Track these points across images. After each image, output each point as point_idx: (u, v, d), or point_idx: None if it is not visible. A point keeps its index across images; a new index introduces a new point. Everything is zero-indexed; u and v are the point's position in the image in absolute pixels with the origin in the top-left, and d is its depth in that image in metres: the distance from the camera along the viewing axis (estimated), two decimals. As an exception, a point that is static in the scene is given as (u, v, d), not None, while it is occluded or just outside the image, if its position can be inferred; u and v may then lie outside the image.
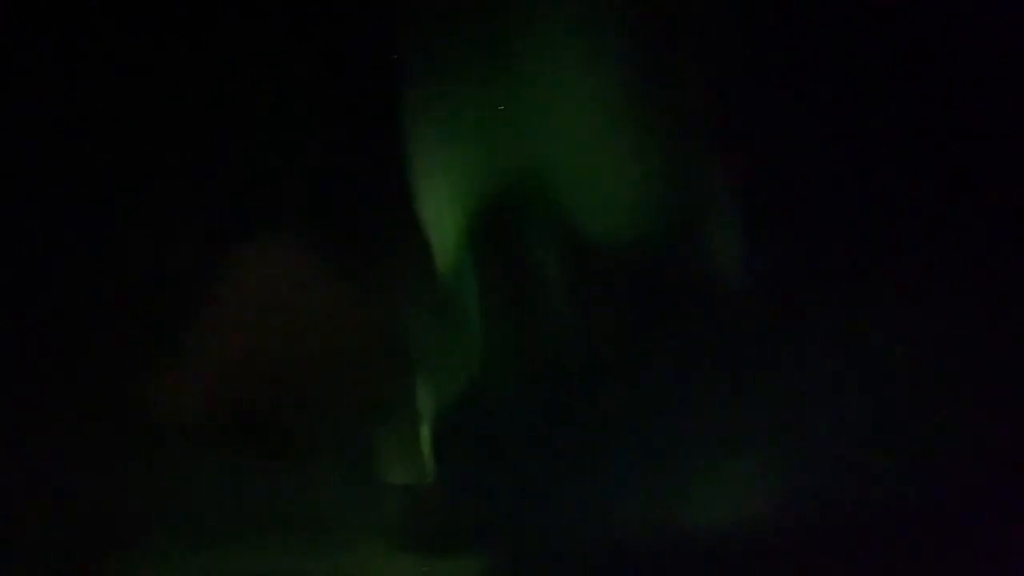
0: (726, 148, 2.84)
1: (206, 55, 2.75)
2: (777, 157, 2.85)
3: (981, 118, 2.88)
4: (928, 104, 2.89)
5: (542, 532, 2.81)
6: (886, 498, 2.81)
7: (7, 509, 2.73)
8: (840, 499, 2.82)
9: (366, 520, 2.80)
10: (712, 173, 2.85)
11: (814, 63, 2.86)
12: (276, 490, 2.77)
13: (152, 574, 2.76)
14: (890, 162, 2.88)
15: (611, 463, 2.83)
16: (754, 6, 2.82)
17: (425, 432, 2.80)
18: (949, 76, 2.88)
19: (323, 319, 2.77)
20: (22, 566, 2.73)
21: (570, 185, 2.83)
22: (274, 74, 2.76)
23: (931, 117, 2.88)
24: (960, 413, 2.83)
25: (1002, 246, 2.88)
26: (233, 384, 2.74)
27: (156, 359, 2.73)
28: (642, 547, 2.80)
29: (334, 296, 2.78)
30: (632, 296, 2.85)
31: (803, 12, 2.82)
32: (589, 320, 2.84)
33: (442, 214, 2.79)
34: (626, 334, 2.85)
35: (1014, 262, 2.87)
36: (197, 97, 2.76)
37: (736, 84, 2.84)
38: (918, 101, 2.88)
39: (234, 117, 2.76)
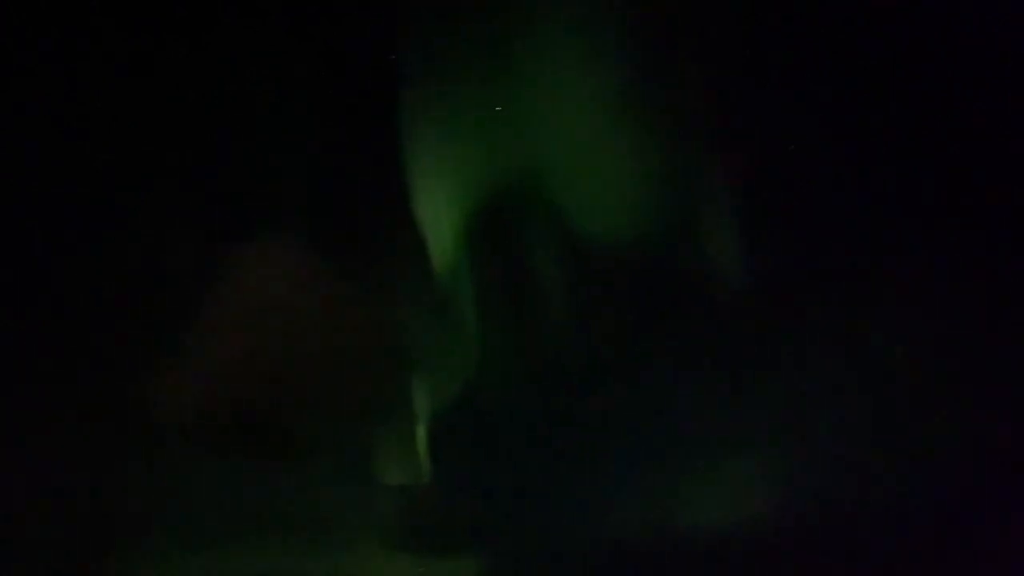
0: (725, 149, 2.84)
1: (204, 55, 2.75)
2: (776, 158, 2.85)
3: (981, 118, 2.88)
4: (928, 104, 2.89)
5: (539, 532, 2.81)
6: (886, 498, 2.81)
7: (4, 509, 2.73)
8: (840, 499, 2.82)
9: (363, 520, 2.80)
10: (711, 174, 2.85)
11: (813, 63, 2.86)
12: (273, 490, 2.77)
13: (151, 574, 2.75)
14: (889, 162, 2.88)
15: (608, 464, 2.83)
16: (753, 7, 2.82)
17: (422, 433, 2.80)
18: (949, 76, 2.88)
19: (320, 319, 2.77)
20: (20, 566, 2.73)
21: (568, 185, 2.83)
22: (272, 74, 2.76)
23: (931, 117, 2.88)
24: (960, 413, 2.83)
25: (1002, 246, 2.88)
26: (230, 384, 2.74)
27: (154, 359, 2.73)
28: (639, 547, 2.80)
29: (331, 296, 2.78)
30: (630, 296, 2.85)
31: (802, 12, 2.82)
32: (586, 321, 2.84)
33: (439, 214, 2.79)
34: (624, 334, 2.85)
35: (1014, 262, 2.87)
36: (195, 97, 2.76)
37: (735, 85, 2.84)
38: (918, 101, 2.88)
39: (232, 117, 2.76)
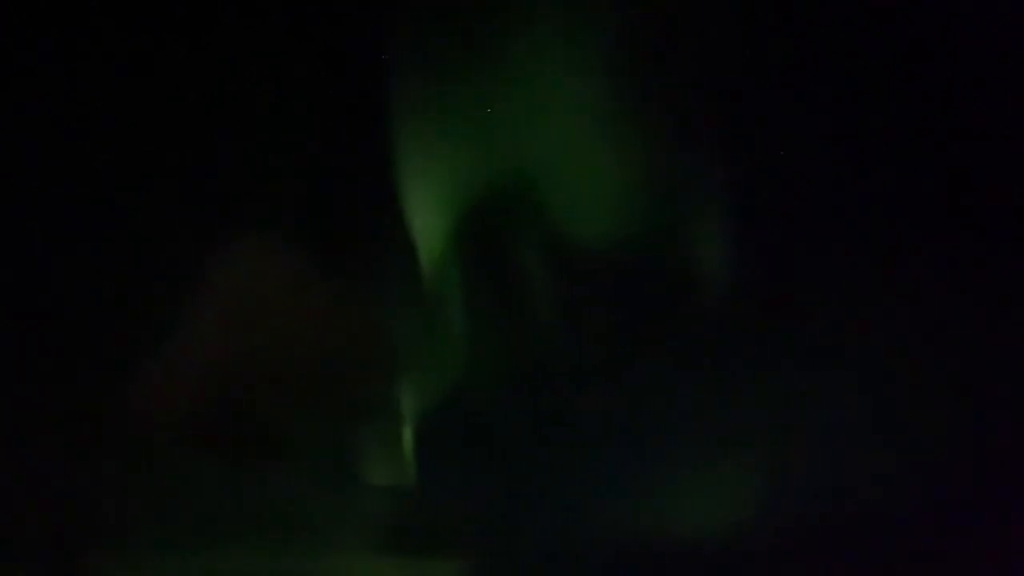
0: (716, 150, 2.84)
1: (190, 55, 2.74)
2: (768, 159, 2.85)
3: (981, 118, 2.88)
4: (927, 104, 2.89)
5: (526, 534, 2.81)
6: (885, 498, 2.81)
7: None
8: (837, 499, 2.82)
9: (348, 521, 2.80)
10: (701, 175, 2.85)
11: (807, 64, 2.86)
12: (257, 490, 2.76)
13: (135, 574, 2.75)
14: (886, 161, 2.88)
15: (597, 465, 2.83)
16: (744, 9, 2.82)
17: (409, 433, 2.80)
18: (949, 76, 2.88)
19: (307, 320, 2.77)
20: (9, 566, 2.73)
21: (558, 187, 2.83)
22: (260, 73, 2.75)
23: (930, 117, 2.88)
24: (960, 413, 2.83)
25: (1002, 246, 2.88)
26: (215, 384, 2.73)
27: (139, 359, 2.73)
28: (629, 549, 2.80)
29: (319, 297, 2.78)
30: (620, 298, 2.85)
31: (799, 13, 2.82)
32: (575, 322, 2.84)
33: (428, 215, 2.79)
34: (613, 336, 2.85)
35: (1014, 262, 2.87)
36: (182, 97, 2.76)
37: (726, 87, 2.84)
38: (917, 101, 2.88)
39: (219, 117, 2.76)
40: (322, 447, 2.80)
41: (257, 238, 2.76)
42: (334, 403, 2.79)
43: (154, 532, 2.76)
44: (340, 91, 2.78)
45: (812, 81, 2.87)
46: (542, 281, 2.83)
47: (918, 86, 2.88)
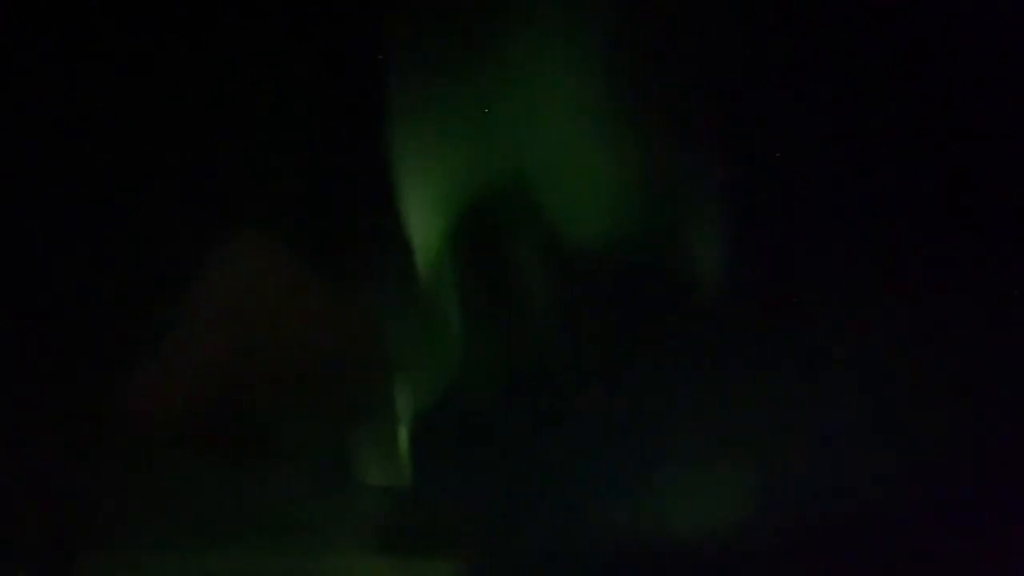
0: (714, 151, 2.84)
1: (185, 56, 2.75)
2: (764, 159, 2.85)
3: (981, 118, 2.88)
4: (927, 104, 2.89)
5: (521, 534, 2.81)
6: (886, 498, 2.81)
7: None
8: (839, 499, 2.81)
9: (344, 521, 2.80)
10: (698, 175, 2.85)
11: (807, 65, 2.86)
12: (252, 491, 2.77)
13: (131, 574, 2.75)
14: (886, 161, 2.88)
15: (592, 465, 2.83)
16: (740, 9, 2.82)
17: (405, 434, 2.80)
18: (949, 76, 2.88)
19: (303, 320, 2.77)
20: (8, 566, 2.74)
21: (554, 187, 2.83)
22: (257, 74, 2.76)
23: (930, 117, 2.88)
24: (960, 413, 2.83)
25: (1002, 246, 2.87)
26: (210, 385, 2.74)
27: (133, 359, 2.73)
28: (625, 549, 2.80)
29: (314, 297, 2.78)
30: (616, 298, 2.85)
31: (799, 13, 2.83)
32: (571, 322, 2.84)
33: (424, 215, 2.79)
34: (611, 337, 2.85)
35: (1014, 262, 2.87)
36: (177, 97, 2.76)
37: (722, 87, 2.84)
38: (917, 101, 2.88)
39: (213, 117, 2.76)
40: (320, 447, 2.80)
41: (254, 239, 2.76)
42: (331, 403, 2.80)
43: (152, 532, 2.76)
44: (335, 91, 2.79)
45: (811, 81, 2.87)
46: (539, 281, 2.83)
47: (918, 86, 2.87)
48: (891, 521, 2.81)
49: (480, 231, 2.83)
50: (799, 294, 2.84)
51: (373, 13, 2.76)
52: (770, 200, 2.85)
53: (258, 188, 2.77)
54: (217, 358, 2.73)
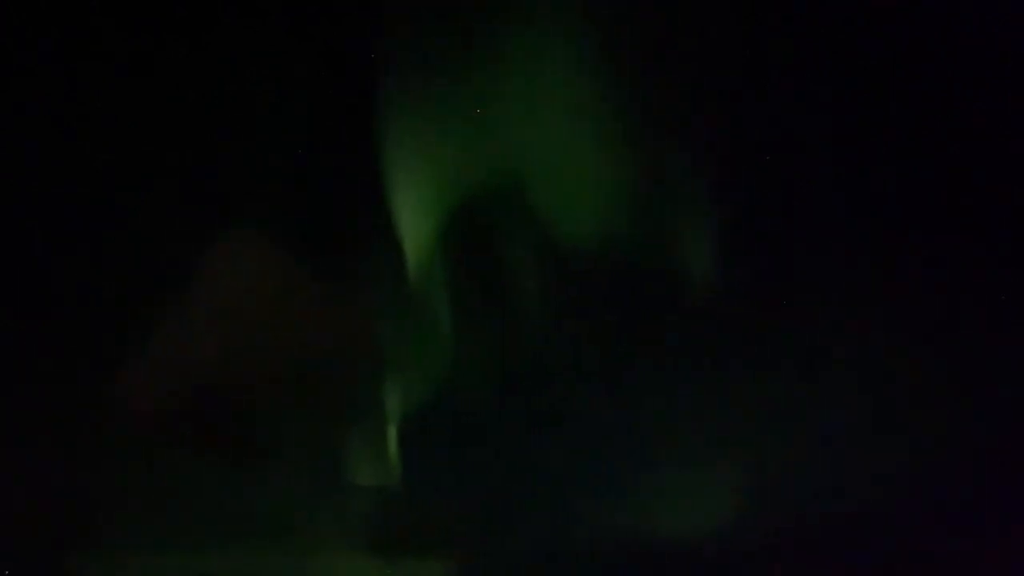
0: (705, 150, 2.84)
1: (181, 57, 2.75)
2: (759, 160, 2.85)
3: (981, 118, 2.88)
4: (927, 104, 2.89)
5: (512, 534, 2.81)
6: (886, 498, 2.81)
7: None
8: (839, 499, 2.81)
9: (335, 521, 2.80)
10: (691, 175, 2.85)
11: (807, 65, 2.86)
12: (244, 490, 2.76)
13: (119, 573, 2.75)
14: (886, 161, 2.88)
15: (588, 466, 2.83)
16: (734, 11, 2.82)
17: (395, 434, 2.80)
18: (949, 76, 2.88)
19: (294, 320, 2.77)
20: (6, 566, 2.73)
21: (546, 187, 2.83)
22: (250, 74, 2.76)
23: (930, 117, 2.88)
24: (960, 413, 2.83)
25: (1002, 246, 2.88)
26: (202, 384, 2.73)
27: (125, 358, 2.73)
28: (616, 550, 2.79)
29: (306, 297, 2.78)
30: (613, 299, 2.85)
31: (799, 13, 2.83)
32: (563, 322, 2.84)
33: (416, 215, 2.79)
34: (606, 337, 2.85)
35: (1014, 262, 2.87)
36: (171, 98, 2.76)
37: (715, 88, 2.84)
38: (917, 101, 2.88)
39: (207, 117, 2.76)
40: (313, 448, 2.80)
41: (247, 239, 2.76)
42: (324, 404, 2.80)
43: (145, 532, 2.76)
44: (328, 92, 2.79)
45: (810, 81, 2.87)
46: (532, 281, 2.83)
47: (918, 86, 2.87)
48: (891, 521, 2.81)
49: (473, 231, 2.83)
50: (798, 294, 2.84)
51: (366, 15, 2.76)
52: (768, 200, 2.85)
53: (251, 188, 2.77)
54: (206, 358, 2.73)
